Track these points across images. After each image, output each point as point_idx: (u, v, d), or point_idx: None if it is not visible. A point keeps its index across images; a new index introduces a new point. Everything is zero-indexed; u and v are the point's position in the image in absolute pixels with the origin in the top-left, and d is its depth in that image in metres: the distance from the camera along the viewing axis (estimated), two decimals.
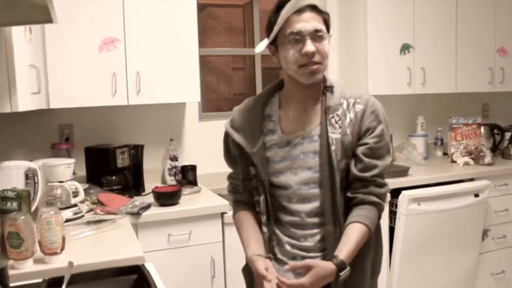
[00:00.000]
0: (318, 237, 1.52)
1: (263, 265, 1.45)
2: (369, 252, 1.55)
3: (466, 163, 3.42)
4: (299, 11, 1.44)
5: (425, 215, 2.85)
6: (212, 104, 3.78)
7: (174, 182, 3.00)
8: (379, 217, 1.54)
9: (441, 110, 3.95)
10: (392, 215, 2.90)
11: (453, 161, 3.54)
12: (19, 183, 2.07)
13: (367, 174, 1.48)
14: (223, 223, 2.54)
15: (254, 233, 1.58)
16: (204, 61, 3.55)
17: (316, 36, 1.44)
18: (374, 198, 1.49)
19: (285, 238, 1.56)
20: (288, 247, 1.56)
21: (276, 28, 1.47)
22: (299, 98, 1.55)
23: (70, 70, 2.54)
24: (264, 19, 3.51)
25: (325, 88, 1.55)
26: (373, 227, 1.50)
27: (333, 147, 1.46)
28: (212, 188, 2.91)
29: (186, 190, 2.76)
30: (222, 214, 2.54)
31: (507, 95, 4.07)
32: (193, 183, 2.98)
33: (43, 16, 1.48)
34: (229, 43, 3.97)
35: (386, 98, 3.38)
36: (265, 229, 1.57)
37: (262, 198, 1.56)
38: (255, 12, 3.48)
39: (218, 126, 3.19)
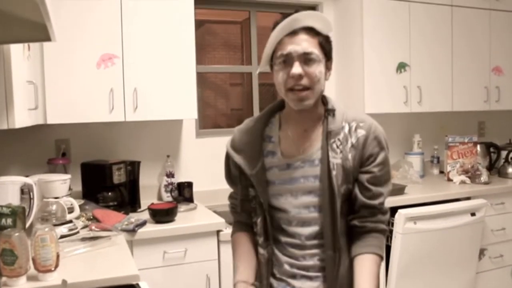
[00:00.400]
0: (317, 257, 1.51)
1: None
2: None
3: (463, 182, 3.43)
4: (293, 32, 1.42)
5: (422, 234, 2.85)
6: (209, 119, 3.78)
7: (170, 199, 3.00)
8: (384, 241, 1.57)
9: (438, 128, 3.97)
10: (389, 233, 2.89)
11: (449, 180, 3.55)
12: (15, 199, 2.06)
13: (376, 202, 1.48)
14: (218, 241, 2.53)
15: (246, 258, 1.57)
16: (202, 77, 3.57)
17: (306, 59, 1.41)
18: (383, 226, 1.52)
19: (284, 258, 1.55)
20: (287, 267, 1.54)
21: (267, 50, 1.46)
22: (298, 120, 1.53)
23: (68, 86, 2.55)
24: (261, 35, 3.55)
25: (327, 111, 1.52)
26: (383, 255, 1.52)
27: (334, 172, 1.44)
28: (208, 205, 2.91)
29: (182, 207, 2.75)
30: (218, 231, 2.53)
31: (502, 113, 4.10)
32: (189, 200, 2.97)
33: (42, 34, 1.49)
34: (227, 59, 3.99)
35: (382, 116, 3.41)
36: (262, 250, 1.55)
37: (260, 219, 1.54)
38: (253, 29, 3.51)
39: (215, 143, 3.24)
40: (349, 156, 1.46)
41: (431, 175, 3.82)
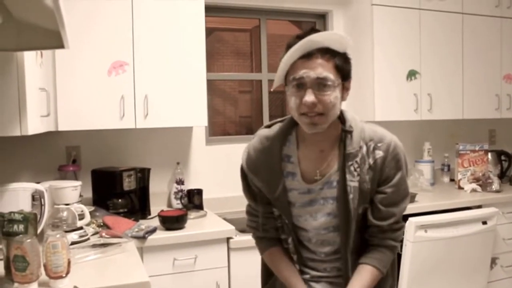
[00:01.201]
0: (337, 267, 1.56)
1: None
2: (387, 281, 1.58)
3: (474, 190, 3.40)
4: (307, 55, 1.34)
5: (432, 242, 2.82)
6: (218, 127, 3.79)
7: (180, 206, 3.00)
8: (394, 255, 1.56)
9: (448, 136, 3.94)
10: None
11: (460, 188, 3.52)
12: (26, 205, 2.08)
13: (384, 223, 1.48)
14: (228, 248, 2.52)
15: (292, 269, 1.58)
16: (211, 85, 3.58)
17: (320, 84, 1.34)
18: (391, 242, 1.52)
19: (305, 269, 1.59)
20: (308, 277, 1.58)
21: (280, 72, 1.40)
22: (314, 141, 1.49)
23: (79, 93, 2.57)
24: (271, 43, 3.56)
25: (344, 132, 1.47)
26: (385, 270, 1.51)
27: (351, 196, 1.42)
28: (218, 213, 2.90)
29: (192, 214, 2.75)
30: (228, 239, 2.52)
31: None
32: (199, 207, 2.97)
33: (55, 41, 1.50)
34: (236, 67, 4.00)
35: (393, 124, 3.39)
36: (298, 266, 1.58)
37: (291, 238, 1.55)
38: (262, 37, 3.52)
39: (225, 151, 3.24)
40: (367, 178, 1.43)
41: (441, 183, 3.80)
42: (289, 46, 1.36)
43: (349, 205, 1.43)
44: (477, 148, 3.58)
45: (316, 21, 3.70)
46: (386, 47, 3.33)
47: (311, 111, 1.36)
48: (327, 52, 1.36)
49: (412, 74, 3.41)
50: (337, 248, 1.52)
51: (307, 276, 1.58)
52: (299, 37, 1.35)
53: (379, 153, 1.44)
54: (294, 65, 1.37)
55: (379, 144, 1.45)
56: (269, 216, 1.58)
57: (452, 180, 3.80)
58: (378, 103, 3.31)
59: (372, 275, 1.48)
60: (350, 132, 1.45)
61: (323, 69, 1.34)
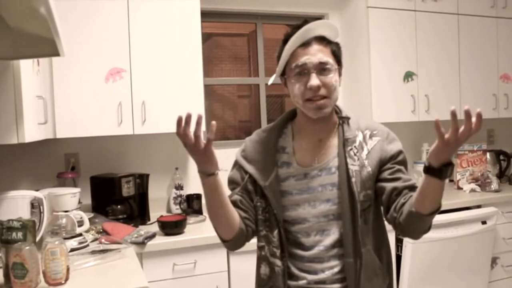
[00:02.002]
0: (336, 269, 1.49)
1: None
2: (385, 280, 1.54)
3: (473, 190, 3.40)
4: (306, 43, 1.43)
5: (432, 243, 2.83)
6: (218, 131, 3.78)
7: (179, 211, 3.00)
8: None
9: None
10: (399, 243, 2.87)
11: (459, 188, 3.52)
12: (25, 213, 2.08)
13: (411, 182, 1.48)
14: (228, 253, 2.53)
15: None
16: (210, 90, 3.59)
17: (322, 68, 1.42)
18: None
19: (301, 274, 1.52)
20: (303, 282, 1.52)
21: (282, 62, 1.46)
22: (312, 130, 1.53)
23: (77, 100, 2.58)
24: (268, 47, 3.57)
25: (341, 119, 1.53)
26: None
27: (353, 179, 1.44)
28: None
29: (191, 219, 2.76)
30: None
31: (511, 121, 4.08)
32: (199, 212, 2.97)
33: (51, 49, 1.51)
34: (234, 72, 4.00)
35: (390, 125, 3.37)
36: (279, 262, 1.51)
37: (276, 232, 1.51)
38: (259, 41, 3.53)
39: (224, 155, 3.20)
40: (366, 162, 1.47)
41: None
42: (287, 38, 1.44)
43: (353, 189, 1.43)
44: (475, 148, 3.59)
45: None
46: (382, 49, 3.34)
47: (316, 95, 1.42)
48: (323, 39, 1.45)
49: (409, 76, 3.42)
50: (338, 238, 1.48)
51: (303, 282, 1.51)
52: (296, 28, 1.44)
53: (377, 138, 1.50)
54: (294, 54, 1.44)
55: (375, 132, 1.51)
56: (243, 198, 1.53)
57: (451, 180, 3.80)
58: (376, 105, 3.32)
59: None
60: (348, 119, 1.52)
61: (323, 54, 1.43)
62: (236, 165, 1.60)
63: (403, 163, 1.51)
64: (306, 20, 1.46)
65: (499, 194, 3.31)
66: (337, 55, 1.48)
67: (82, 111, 2.59)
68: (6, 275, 1.71)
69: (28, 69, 1.91)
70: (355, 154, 1.47)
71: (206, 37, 3.58)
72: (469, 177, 3.53)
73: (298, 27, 1.43)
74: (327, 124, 1.53)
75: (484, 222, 3.00)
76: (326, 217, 1.49)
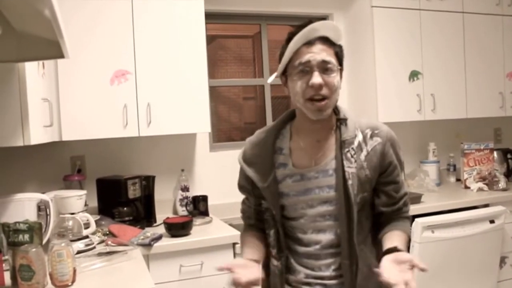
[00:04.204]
0: (333, 267, 1.50)
1: (236, 261, 1.46)
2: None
3: (480, 189, 3.38)
4: (310, 42, 1.42)
5: (440, 243, 2.81)
6: (223, 133, 3.79)
7: (185, 213, 3.00)
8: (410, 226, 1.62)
9: (453, 136, 3.93)
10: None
11: (466, 187, 3.50)
12: (31, 215, 2.09)
13: (399, 204, 1.55)
14: (234, 254, 2.52)
15: (253, 244, 1.58)
16: (215, 92, 3.59)
17: (325, 68, 1.41)
18: (406, 214, 1.58)
19: (299, 268, 1.54)
20: (302, 276, 1.53)
21: (285, 59, 1.45)
22: (311, 131, 1.52)
23: (82, 103, 2.58)
24: (272, 49, 3.57)
25: (339, 121, 1.52)
26: (410, 237, 1.57)
27: (350, 182, 1.43)
28: (224, 218, 2.90)
29: (197, 221, 2.76)
30: (234, 244, 2.52)
31: None
32: (205, 213, 2.97)
33: (56, 51, 1.51)
34: (239, 73, 4.00)
35: (396, 125, 3.37)
36: (275, 262, 1.55)
37: (272, 231, 1.54)
38: (264, 42, 3.54)
39: (229, 156, 3.24)
40: (364, 165, 1.45)
41: (447, 183, 3.78)
42: (291, 36, 1.43)
43: (349, 191, 1.43)
44: (482, 147, 3.56)
45: None
46: (387, 48, 3.33)
47: (318, 94, 1.41)
48: (327, 40, 1.44)
49: (414, 75, 3.40)
50: (335, 240, 1.49)
51: (301, 276, 1.53)
52: (300, 27, 1.43)
53: (377, 140, 1.48)
54: (298, 52, 1.43)
55: (376, 131, 1.49)
56: (256, 209, 1.61)
57: (458, 180, 3.78)
58: (381, 104, 3.31)
59: (404, 238, 1.50)
60: (345, 120, 1.51)
61: (326, 54, 1.42)
62: (241, 169, 1.62)
63: (400, 169, 1.54)
64: (310, 20, 1.45)
65: (507, 192, 3.29)
66: (339, 57, 1.47)
67: (88, 113, 2.59)
68: (13, 277, 1.71)
69: (33, 72, 1.92)
70: (352, 156, 1.45)
71: (211, 39, 3.58)
72: (476, 176, 3.51)
73: (303, 26, 1.42)
74: (326, 124, 1.51)
75: (492, 221, 2.98)
76: (323, 217, 1.49)
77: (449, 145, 3.87)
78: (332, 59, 1.42)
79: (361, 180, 1.45)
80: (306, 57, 1.41)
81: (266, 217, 1.56)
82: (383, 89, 3.32)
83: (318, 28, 1.42)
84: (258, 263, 1.47)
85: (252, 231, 1.64)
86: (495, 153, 3.64)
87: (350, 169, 1.44)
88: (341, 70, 1.48)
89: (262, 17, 3.52)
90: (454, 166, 3.82)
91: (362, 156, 1.46)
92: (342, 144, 1.47)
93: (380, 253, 1.45)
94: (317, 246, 1.50)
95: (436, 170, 3.65)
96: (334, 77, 1.42)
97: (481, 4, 3.60)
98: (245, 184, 1.61)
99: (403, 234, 1.50)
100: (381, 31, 3.31)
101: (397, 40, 3.35)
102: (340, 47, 1.48)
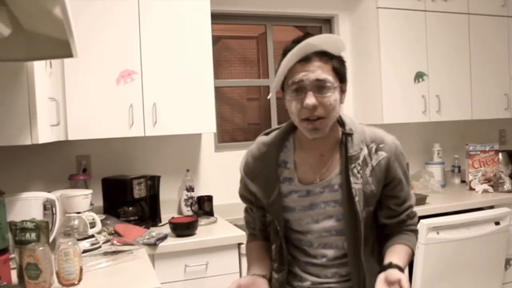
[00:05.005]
0: (341, 274, 1.50)
1: (243, 280, 1.42)
2: None
3: (485, 191, 3.38)
4: (305, 59, 1.33)
5: (445, 244, 2.80)
6: (227, 134, 3.79)
7: (190, 213, 3.00)
8: (417, 237, 1.57)
9: (457, 137, 3.93)
10: None
11: (471, 189, 3.50)
12: (38, 214, 2.09)
13: (402, 216, 1.51)
14: (240, 254, 2.52)
15: (259, 257, 1.56)
16: (219, 92, 3.59)
17: (319, 86, 1.32)
18: (412, 227, 1.53)
19: (305, 275, 1.53)
20: (308, 283, 1.52)
21: (278, 77, 1.38)
22: (313, 145, 1.46)
23: (88, 102, 2.59)
24: (277, 50, 3.57)
25: (344, 135, 1.45)
26: (414, 251, 1.52)
27: (356, 198, 1.40)
28: (229, 219, 2.90)
29: (202, 221, 2.76)
30: (239, 244, 2.52)
31: None
32: (210, 213, 2.97)
33: (64, 50, 1.51)
34: (244, 74, 4.01)
35: (401, 126, 3.39)
36: (276, 275, 1.53)
37: (274, 246, 1.52)
38: (269, 42, 3.54)
39: (234, 157, 3.24)
40: (370, 180, 1.42)
41: (452, 185, 3.77)
42: (286, 51, 1.36)
43: (356, 208, 1.40)
44: (487, 149, 3.56)
45: (322, 26, 3.71)
46: (392, 49, 3.33)
47: (312, 115, 1.34)
48: (324, 55, 1.35)
49: (419, 76, 3.40)
50: (342, 253, 1.48)
51: (307, 283, 1.51)
52: (296, 42, 1.34)
53: (382, 154, 1.43)
54: (292, 69, 1.35)
55: (381, 145, 1.43)
56: (259, 220, 1.59)
57: (463, 181, 3.78)
58: (386, 105, 3.31)
59: (406, 251, 1.46)
60: (351, 135, 1.44)
61: (322, 71, 1.33)
62: (242, 181, 1.58)
63: (404, 184, 1.49)
64: (307, 33, 1.38)
65: None
66: (339, 72, 1.37)
67: (94, 113, 2.60)
68: (20, 276, 1.71)
69: (41, 71, 1.93)
70: (358, 172, 1.41)
71: (215, 40, 3.59)
72: (481, 178, 3.51)
73: (298, 41, 1.34)
74: (328, 138, 1.45)
75: (497, 223, 2.97)
76: (329, 232, 1.47)
77: (454, 146, 3.86)
78: (328, 76, 1.34)
79: (366, 195, 1.42)
80: (299, 76, 1.33)
81: (270, 230, 1.54)
82: (388, 90, 3.32)
83: (314, 43, 1.33)
84: (266, 278, 1.46)
85: (257, 241, 1.62)
86: (500, 155, 3.63)
87: (357, 185, 1.41)
88: (342, 85, 1.39)
89: (267, 17, 3.52)
90: (459, 167, 3.82)
91: (368, 171, 1.42)
92: (348, 160, 1.42)
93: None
94: (324, 259, 1.50)
95: (441, 172, 3.65)
96: (329, 96, 1.34)
97: (487, 6, 3.60)
98: (247, 195, 1.57)
99: (404, 248, 1.46)
100: (387, 32, 3.31)
101: (402, 41, 3.35)
102: (340, 60, 1.39)
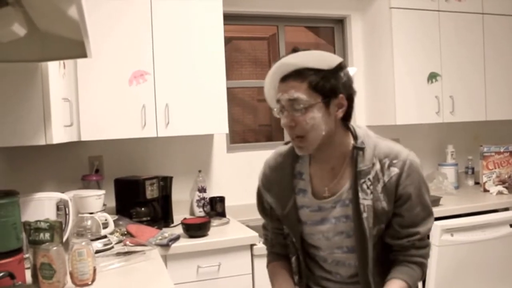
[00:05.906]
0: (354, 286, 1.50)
1: None
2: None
3: (500, 192, 3.34)
4: (284, 77, 1.35)
5: (459, 246, 2.77)
6: (238, 135, 3.79)
7: (202, 214, 3.00)
8: (423, 274, 1.47)
9: (471, 138, 3.88)
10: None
11: (485, 190, 3.46)
12: (51, 214, 2.10)
13: (404, 241, 1.42)
14: (252, 255, 2.51)
15: (283, 279, 1.55)
16: (230, 93, 3.58)
17: (292, 106, 1.33)
18: (417, 259, 1.44)
19: None
20: None
21: (266, 95, 1.44)
22: (323, 158, 1.45)
23: (101, 103, 2.60)
24: (289, 50, 3.55)
25: (355, 149, 1.42)
26: (414, 286, 1.44)
27: (364, 214, 1.37)
28: (241, 220, 2.90)
29: (214, 222, 2.75)
30: (252, 246, 2.51)
31: None
32: (222, 214, 2.97)
33: (78, 51, 1.52)
34: (254, 75, 4.00)
35: (414, 127, 3.37)
36: (312, 286, 1.55)
37: (294, 258, 1.53)
38: (281, 43, 3.52)
39: (246, 158, 3.24)
40: (381, 196, 1.38)
41: (466, 186, 3.74)
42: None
43: (364, 224, 1.37)
44: (502, 150, 3.52)
45: (334, 27, 3.69)
46: (405, 50, 3.30)
47: (292, 134, 1.36)
48: (300, 74, 1.33)
49: (433, 77, 3.37)
50: (354, 271, 1.47)
51: None
52: (279, 60, 1.36)
53: (394, 170, 1.38)
54: (277, 88, 1.39)
55: (394, 161, 1.39)
56: (277, 233, 1.58)
57: (477, 183, 3.73)
58: (399, 106, 3.28)
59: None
60: (362, 149, 1.41)
61: (294, 91, 1.32)
62: (259, 192, 1.60)
63: (414, 206, 1.41)
64: (295, 49, 1.36)
65: None
66: (320, 88, 1.32)
67: (106, 114, 2.61)
68: (34, 275, 1.72)
69: (55, 72, 1.93)
70: (368, 187, 1.38)
71: (226, 41, 3.58)
72: (496, 179, 3.47)
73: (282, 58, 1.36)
74: (336, 151, 1.43)
75: None
76: (340, 249, 1.46)
77: (468, 147, 3.82)
78: (301, 95, 1.31)
79: (377, 212, 1.38)
80: (278, 95, 1.36)
81: (288, 242, 1.54)
82: (401, 90, 3.29)
83: (291, 62, 1.33)
84: None
85: (279, 261, 1.61)
86: None
87: (366, 201, 1.38)
88: (328, 101, 1.34)
89: (279, 18, 3.51)
90: (473, 169, 3.78)
91: (379, 187, 1.38)
92: (357, 175, 1.39)
93: None
94: (338, 277, 1.50)
95: (454, 173, 3.61)
96: (305, 115, 1.32)
97: (501, 5, 3.56)
98: (265, 206, 1.58)
99: (401, 284, 1.39)
100: (400, 32, 3.28)
101: (415, 42, 3.32)
102: (322, 75, 1.32)
